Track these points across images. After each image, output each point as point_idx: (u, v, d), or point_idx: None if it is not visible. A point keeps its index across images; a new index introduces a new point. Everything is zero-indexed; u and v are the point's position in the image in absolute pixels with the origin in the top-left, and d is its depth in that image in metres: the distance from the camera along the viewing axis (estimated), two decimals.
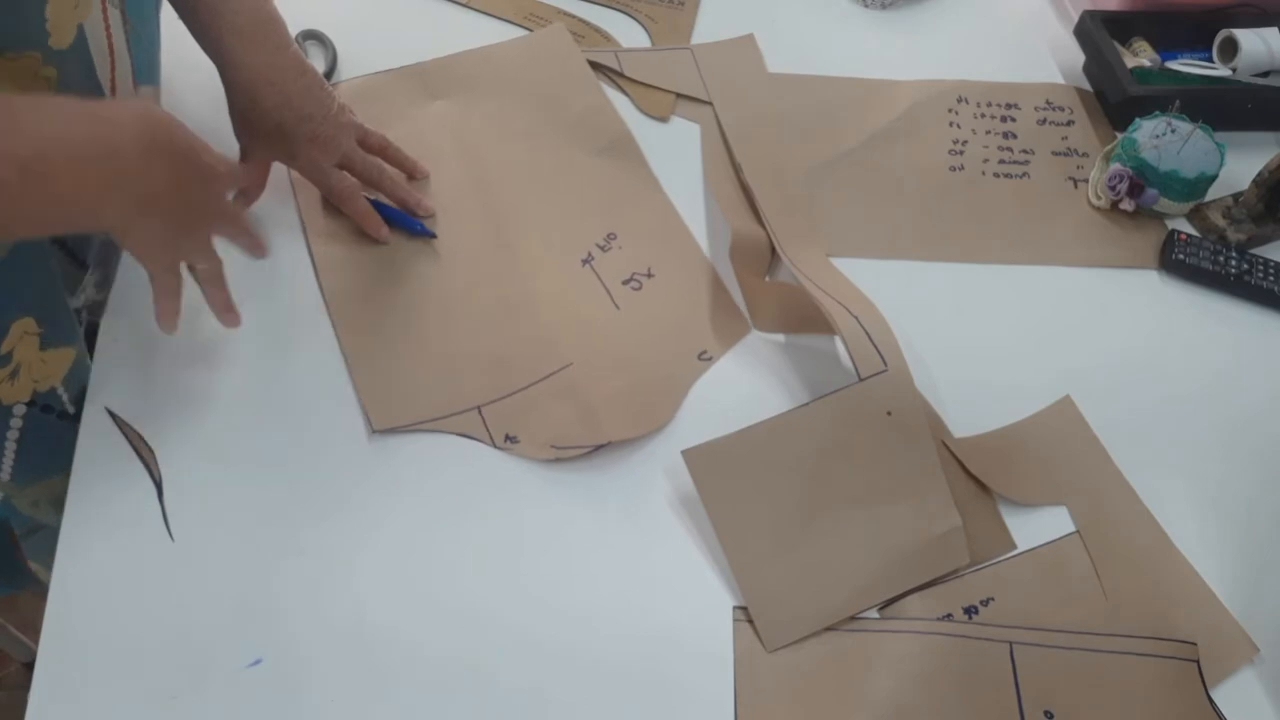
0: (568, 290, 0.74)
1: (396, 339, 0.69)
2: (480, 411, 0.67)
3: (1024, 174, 0.88)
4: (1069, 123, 0.93)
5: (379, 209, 0.74)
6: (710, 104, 0.88)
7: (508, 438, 0.66)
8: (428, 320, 0.70)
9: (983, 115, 0.92)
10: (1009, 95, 0.94)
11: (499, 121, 0.83)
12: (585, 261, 0.75)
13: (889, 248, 0.81)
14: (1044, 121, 0.93)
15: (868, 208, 0.84)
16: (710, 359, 0.72)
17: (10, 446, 0.70)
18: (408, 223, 0.75)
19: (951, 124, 0.91)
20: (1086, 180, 0.88)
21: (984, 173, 0.88)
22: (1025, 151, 0.90)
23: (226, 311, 0.64)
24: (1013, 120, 0.92)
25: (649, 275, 0.75)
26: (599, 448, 0.65)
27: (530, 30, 0.91)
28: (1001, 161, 0.89)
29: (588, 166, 0.81)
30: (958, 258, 0.81)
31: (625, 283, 0.75)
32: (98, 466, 0.61)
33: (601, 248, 0.76)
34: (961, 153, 0.89)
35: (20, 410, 0.67)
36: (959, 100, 0.93)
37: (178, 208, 0.56)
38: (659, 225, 0.79)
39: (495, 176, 0.79)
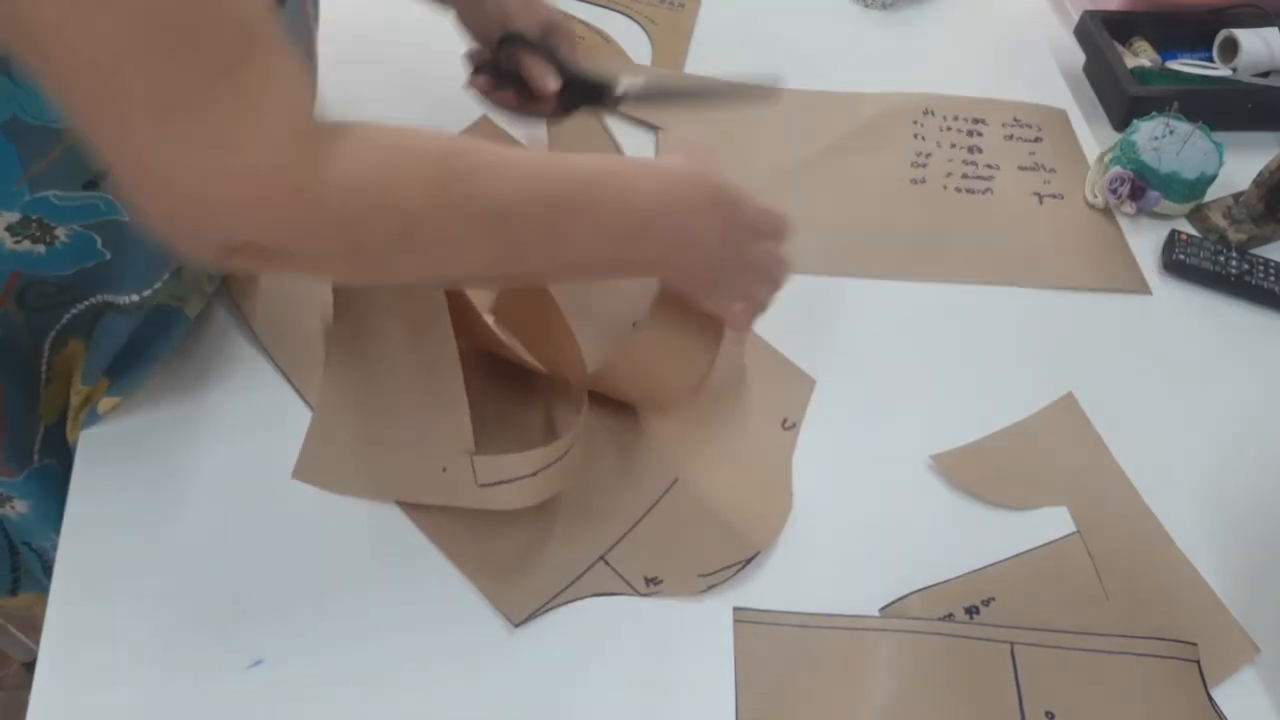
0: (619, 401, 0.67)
1: (489, 524, 0.61)
2: (606, 561, 0.61)
3: (987, 189, 0.86)
4: (1036, 139, 0.92)
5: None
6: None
7: (648, 580, 0.60)
8: None
9: (948, 129, 0.91)
10: (976, 110, 0.93)
11: None
12: None
13: (878, 265, 0.79)
14: (1011, 137, 0.91)
15: (828, 220, 0.81)
16: (794, 425, 0.68)
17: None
18: None
19: (916, 135, 0.90)
20: (1053, 196, 0.87)
21: (945, 186, 0.86)
22: (990, 166, 0.88)
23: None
24: (979, 135, 0.91)
25: None
26: (748, 561, 0.61)
27: None
28: (965, 176, 0.87)
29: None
30: (928, 276, 0.79)
31: None
32: (98, 468, 0.61)
33: None
34: (924, 165, 0.87)
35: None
36: (925, 113, 0.91)
37: (716, 257, 0.60)
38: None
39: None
